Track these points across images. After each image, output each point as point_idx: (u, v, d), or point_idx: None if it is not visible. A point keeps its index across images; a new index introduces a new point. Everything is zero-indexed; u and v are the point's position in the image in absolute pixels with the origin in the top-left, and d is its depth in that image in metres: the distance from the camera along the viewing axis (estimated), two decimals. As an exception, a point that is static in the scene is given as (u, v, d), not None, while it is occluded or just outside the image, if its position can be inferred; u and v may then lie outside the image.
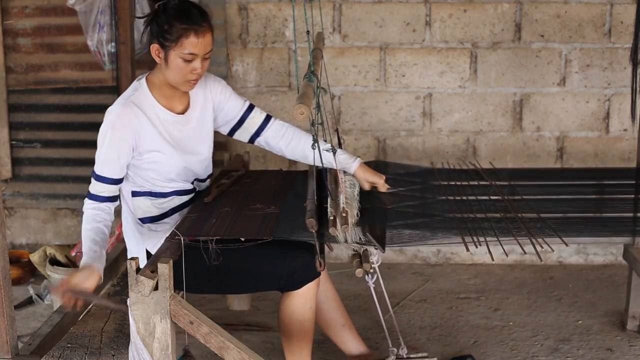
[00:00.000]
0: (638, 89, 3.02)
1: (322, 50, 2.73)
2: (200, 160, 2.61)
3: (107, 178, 2.41)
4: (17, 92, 4.13)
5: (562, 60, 3.89)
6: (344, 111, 3.99)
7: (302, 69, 2.48)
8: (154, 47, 2.42)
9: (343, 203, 2.31)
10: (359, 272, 2.20)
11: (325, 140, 2.50)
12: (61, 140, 4.17)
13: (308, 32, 2.31)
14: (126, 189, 2.52)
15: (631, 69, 3.03)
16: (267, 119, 2.72)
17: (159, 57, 2.42)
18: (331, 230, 2.17)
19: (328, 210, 2.30)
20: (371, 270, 2.33)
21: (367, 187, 2.66)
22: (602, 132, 3.95)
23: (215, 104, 2.67)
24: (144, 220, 2.52)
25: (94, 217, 2.41)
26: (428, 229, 2.37)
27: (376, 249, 2.30)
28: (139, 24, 3.65)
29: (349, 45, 3.93)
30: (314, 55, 2.48)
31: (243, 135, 2.74)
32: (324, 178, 2.41)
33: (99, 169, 2.41)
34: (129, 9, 3.37)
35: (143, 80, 2.51)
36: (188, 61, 2.39)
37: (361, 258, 2.22)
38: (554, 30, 3.86)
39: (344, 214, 2.24)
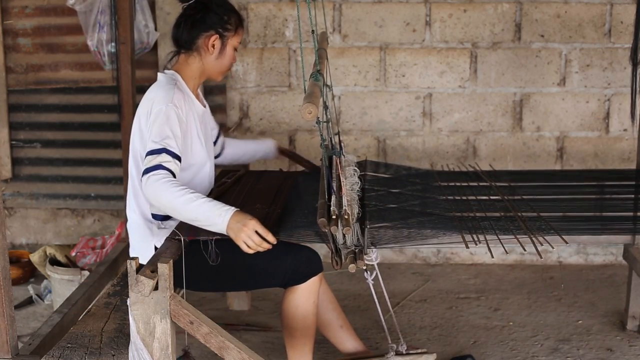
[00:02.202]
0: (638, 89, 3.02)
1: (326, 50, 2.73)
2: (212, 165, 2.66)
3: (172, 152, 2.29)
4: (17, 92, 4.14)
5: (562, 60, 3.89)
6: (344, 111, 3.99)
7: (300, 69, 2.48)
8: (213, 37, 2.51)
9: (345, 205, 2.31)
10: (351, 267, 2.19)
11: (331, 139, 2.51)
12: (61, 140, 4.17)
13: (313, 31, 2.31)
14: None
15: (631, 69, 3.03)
16: (223, 144, 2.98)
17: (213, 47, 2.52)
18: (332, 229, 2.16)
19: (331, 208, 2.30)
20: (364, 267, 2.32)
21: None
22: (602, 132, 3.95)
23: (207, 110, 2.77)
24: (156, 217, 2.49)
25: (172, 183, 2.22)
26: (427, 228, 2.37)
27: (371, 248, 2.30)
28: (139, 24, 3.68)
29: (349, 45, 3.93)
30: (319, 55, 2.47)
31: None
32: (329, 178, 2.42)
33: (163, 142, 2.29)
34: (129, 9, 3.36)
35: (174, 72, 2.55)
36: (235, 50, 2.58)
37: (355, 255, 2.21)
38: (554, 30, 3.86)
39: (345, 216, 2.23)
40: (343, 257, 2.19)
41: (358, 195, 2.50)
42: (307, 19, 2.23)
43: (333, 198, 2.31)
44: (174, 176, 2.27)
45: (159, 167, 2.25)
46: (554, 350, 3.07)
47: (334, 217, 2.17)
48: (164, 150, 2.28)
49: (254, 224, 2.19)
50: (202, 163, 2.56)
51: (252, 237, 2.19)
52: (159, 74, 2.56)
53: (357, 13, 3.89)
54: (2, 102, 4.11)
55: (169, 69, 2.57)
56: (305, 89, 2.19)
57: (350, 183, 2.54)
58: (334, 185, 2.38)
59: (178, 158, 2.31)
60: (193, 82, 2.57)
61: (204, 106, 2.67)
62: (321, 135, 2.28)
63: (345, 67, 3.95)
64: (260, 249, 2.23)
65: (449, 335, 3.22)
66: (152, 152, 2.28)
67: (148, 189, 2.24)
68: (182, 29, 2.53)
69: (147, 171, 2.25)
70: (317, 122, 2.17)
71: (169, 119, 2.34)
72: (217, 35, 2.51)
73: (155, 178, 2.23)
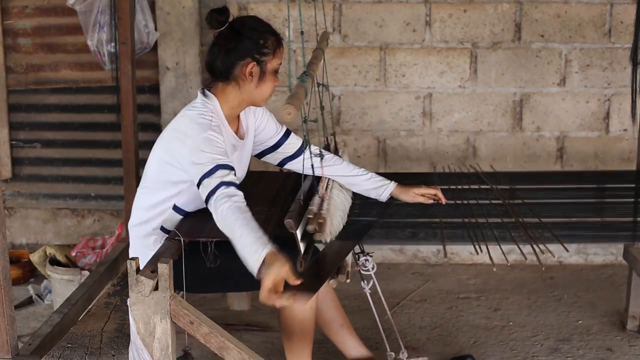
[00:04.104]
0: (638, 89, 3.03)
1: (324, 50, 2.73)
2: None
3: (225, 165, 2.19)
4: (17, 92, 4.14)
5: (562, 60, 3.89)
6: (344, 111, 3.99)
7: (302, 69, 2.48)
8: (249, 65, 2.32)
9: (324, 210, 2.31)
10: (332, 283, 2.19)
11: (327, 139, 2.51)
12: (61, 140, 4.17)
13: (302, 32, 2.35)
14: (166, 201, 2.41)
15: (631, 69, 3.03)
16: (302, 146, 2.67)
17: (251, 75, 2.33)
18: (295, 230, 2.16)
19: (307, 209, 2.31)
20: (347, 281, 2.33)
21: (421, 199, 2.66)
22: (602, 132, 3.95)
23: (257, 127, 2.61)
24: (166, 231, 2.43)
25: (243, 207, 2.11)
26: (430, 233, 2.38)
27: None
28: (139, 24, 3.68)
29: (349, 45, 3.93)
30: (315, 55, 2.48)
31: (274, 158, 2.71)
32: (314, 182, 2.43)
33: (214, 162, 2.17)
34: (129, 9, 3.36)
35: (214, 98, 2.38)
36: (277, 73, 2.38)
37: (338, 268, 2.21)
38: (554, 30, 3.86)
39: (320, 220, 2.23)
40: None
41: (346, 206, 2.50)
42: (308, 19, 2.24)
43: (316, 200, 2.32)
44: (237, 187, 2.16)
45: (219, 186, 2.14)
46: (554, 350, 3.07)
47: (310, 216, 2.17)
48: (217, 168, 2.17)
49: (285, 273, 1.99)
50: None
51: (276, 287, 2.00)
52: (199, 93, 2.40)
53: (357, 13, 3.89)
54: (2, 102, 4.11)
55: (210, 91, 2.39)
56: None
57: (336, 190, 2.54)
58: (320, 189, 2.39)
59: (233, 169, 2.21)
60: (230, 110, 2.41)
61: (242, 138, 2.50)
62: (305, 136, 2.29)
63: (345, 67, 3.95)
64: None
65: (449, 335, 3.22)
66: (206, 175, 2.16)
67: (215, 216, 2.13)
68: (216, 58, 2.36)
69: (209, 196, 2.15)
70: (304, 121, 2.18)
71: (211, 141, 2.23)
72: (254, 62, 2.32)
73: (219, 204, 2.11)
